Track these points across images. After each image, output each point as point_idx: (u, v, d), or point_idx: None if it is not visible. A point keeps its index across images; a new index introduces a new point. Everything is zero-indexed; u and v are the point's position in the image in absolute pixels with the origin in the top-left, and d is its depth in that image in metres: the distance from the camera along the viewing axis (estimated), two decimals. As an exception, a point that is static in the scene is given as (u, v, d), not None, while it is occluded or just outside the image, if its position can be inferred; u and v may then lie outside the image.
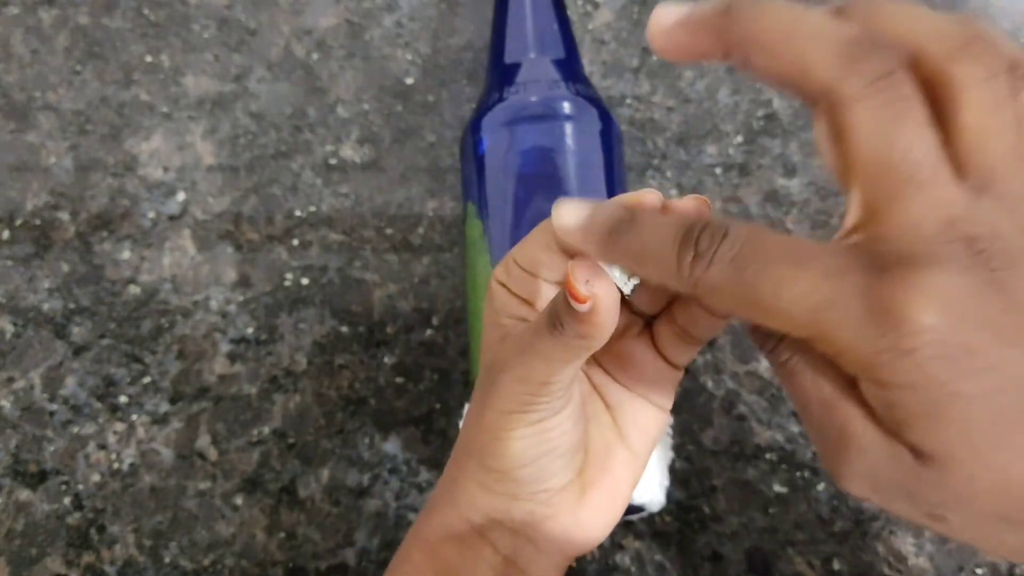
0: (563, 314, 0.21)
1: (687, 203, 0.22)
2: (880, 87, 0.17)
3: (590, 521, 0.26)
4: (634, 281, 0.22)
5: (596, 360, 0.27)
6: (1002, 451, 0.16)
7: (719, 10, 0.19)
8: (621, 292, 0.22)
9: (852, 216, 0.18)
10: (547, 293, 0.26)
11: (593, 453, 0.27)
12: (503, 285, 0.26)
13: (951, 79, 0.17)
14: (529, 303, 0.26)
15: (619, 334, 0.22)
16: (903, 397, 0.16)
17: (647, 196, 0.22)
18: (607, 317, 0.21)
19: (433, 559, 0.27)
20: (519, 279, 0.25)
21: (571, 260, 0.21)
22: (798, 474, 0.42)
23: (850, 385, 0.18)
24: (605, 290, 0.21)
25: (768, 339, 0.19)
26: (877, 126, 0.17)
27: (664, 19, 0.20)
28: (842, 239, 0.18)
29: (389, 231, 0.48)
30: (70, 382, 0.45)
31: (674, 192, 0.48)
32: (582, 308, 0.21)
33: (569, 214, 0.21)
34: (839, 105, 0.17)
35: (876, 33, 0.18)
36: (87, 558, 0.42)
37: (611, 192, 0.39)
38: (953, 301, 0.16)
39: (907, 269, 0.16)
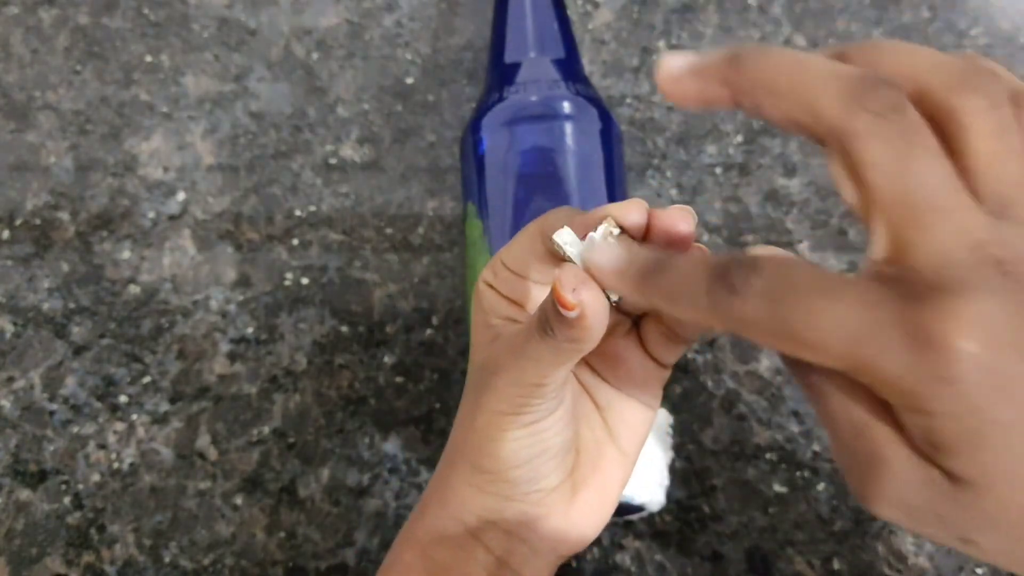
0: (552, 319, 0.22)
1: (671, 214, 0.23)
2: (890, 121, 0.17)
3: (582, 520, 0.27)
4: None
5: (585, 360, 0.27)
6: None
7: (726, 59, 0.20)
8: (608, 298, 0.22)
9: (878, 248, 0.18)
10: (535, 294, 0.26)
11: (584, 453, 0.27)
12: (491, 287, 0.26)
13: (956, 110, 0.18)
14: (518, 304, 0.26)
15: (607, 334, 0.23)
16: (943, 424, 0.16)
17: (633, 209, 0.23)
18: (595, 322, 0.21)
19: (425, 560, 0.27)
20: (507, 281, 0.26)
21: (558, 268, 0.22)
22: (798, 474, 0.42)
23: (882, 409, 0.18)
24: (592, 297, 0.21)
25: (798, 362, 0.20)
26: (891, 158, 0.17)
27: (672, 68, 0.21)
28: (872, 270, 0.18)
29: (389, 231, 0.48)
30: (70, 382, 0.45)
31: (674, 192, 0.48)
32: (570, 315, 0.21)
33: (602, 255, 0.22)
34: (851, 142, 0.18)
35: (880, 72, 0.18)
36: (87, 558, 0.42)
37: (611, 192, 0.39)
38: (990, 326, 0.16)
39: (942, 296, 0.16)
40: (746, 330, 0.18)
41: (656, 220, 0.23)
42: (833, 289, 0.17)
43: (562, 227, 0.23)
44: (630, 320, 0.27)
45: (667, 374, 0.27)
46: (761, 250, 0.20)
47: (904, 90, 0.18)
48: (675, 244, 0.23)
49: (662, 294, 0.20)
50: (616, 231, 0.22)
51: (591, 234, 0.22)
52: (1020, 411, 0.16)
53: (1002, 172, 0.17)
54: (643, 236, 0.23)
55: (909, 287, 0.17)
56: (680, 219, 0.23)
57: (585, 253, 0.22)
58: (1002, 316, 0.16)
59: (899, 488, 0.18)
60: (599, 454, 0.27)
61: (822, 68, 0.18)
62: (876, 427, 0.18)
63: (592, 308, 0.21)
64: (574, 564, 0.41)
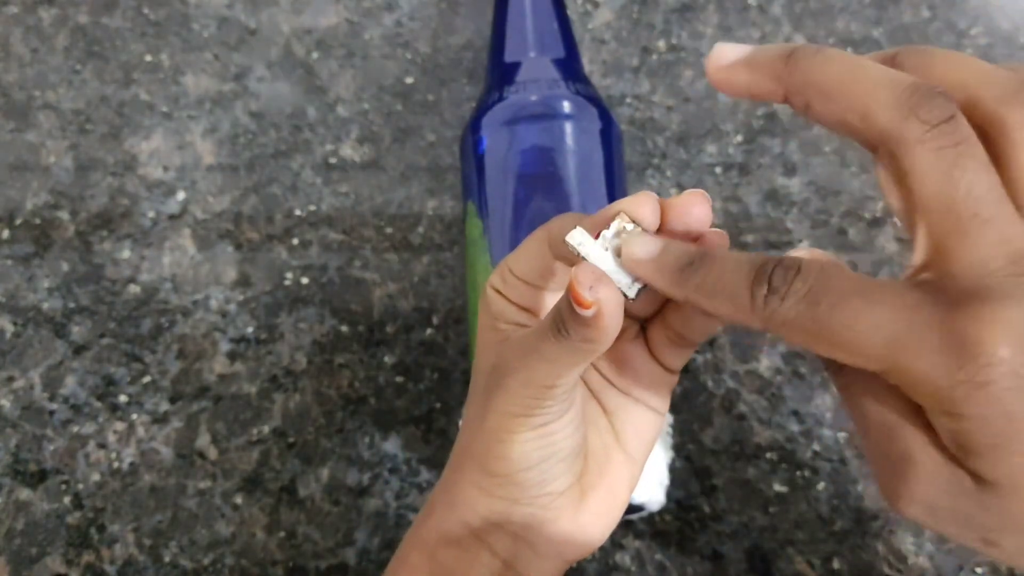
0: (568, 319, 0.22)
1: (684, 200, 0.22)
2: (941, 131, 0.18)
3: (589, 525, 0.27)
4: (638, 285, 0.22)
5: (593, 365, 0.27)
6: None
7: (782, 55, 0.20)
8: (626, 296, 0.22)
9: (920, 254, 0.19)
10: (543, 300, 0.26)
11: (592, 457, 0.27)
12: (499, 292, 0.26)
13: (1004, 122, 0.18)
14: (526, 309, 0.26)
15: (615, 339, 0.23)
16: (974, 427, 0.17)
17: (645, 202, 0.22)
18: (611, 321, 0.21)
19: (431, 562, 0.27)
20: (515, 286, 0.26)
21: (574, 266, 0.22)
22: (798, 473, 0.42)
23: (913, 411, 0.18)
24: (609, 295, 0.21)
25: (833, 363, 0.20)
26: (940, 167, 0.18)
27: (725, 56, 0.21)
28: (911, 276, 0.19)
29: (389, 230, 0.48)
30: (70, 381, 0.45)
31: (674, 191, 0.48)
32: (586, 313, 0.21)
33: (640, 248, 0.22)
34: (901, 149, 0.18)
35: (932, 80, 0.18)
36: (87, 557, 0.42)
37: (611, 191, 0.39)
38: None
39: (980, 303, 0.17)
40: (784, 330, 0.19)
41: (670, 208, 0.23)
42: (872, 292, 0.18)
43: (574, 227, 0.22)
44: (637, 325, 0.27)
45: (674, 379, 0.27)
46: (802, 252, 0.21)
47: (956, 100, 0.18)
48: (693, 230, 0.22)
49: (701, 289, 0.20)
50: (630, 226, 0.22)
51: (604, 232, 0.22)
52: None
53: None
54: (658, 228, 0.23)
55: (947, 293, 0.17)
56: (694, 203, 0.22)
57: (622, 244, 0.22)
58: None
59: (927, 489, 0.18)
60: (607, 459, 0.27)
61: (877, 74, 0.19)
62: (907, 429, 0.19)
63: (608, 306, 0.21)
64: (574, 564, 0.41)
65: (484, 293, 0.27)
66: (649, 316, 0.27)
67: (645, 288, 0.22)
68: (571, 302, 0.21)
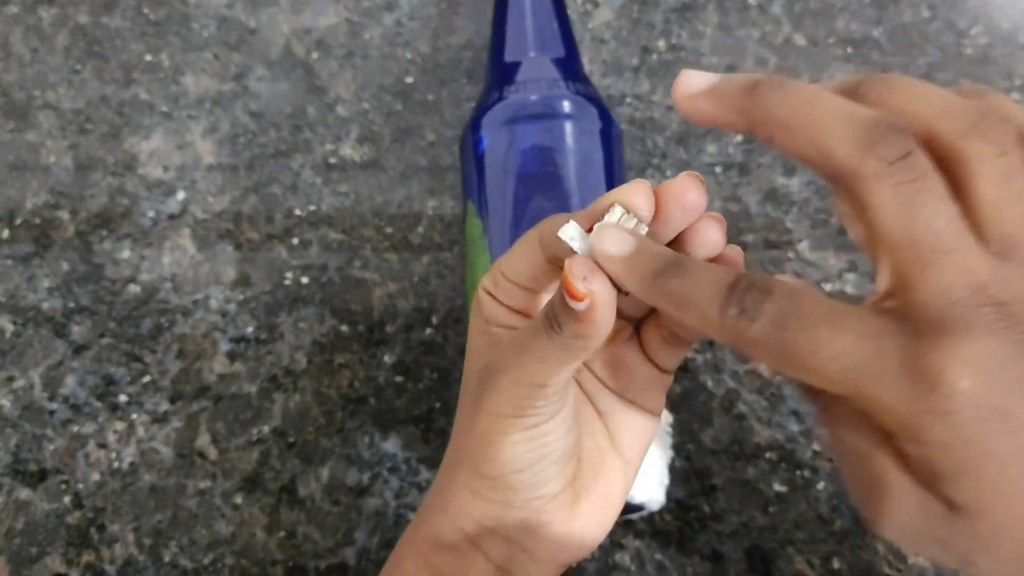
0: (560, 314, 0.22)
1: (678, 184, 0.22)
2: (899, 167, 0.18)
3: (583, 528, 0.26)
4: (643, 228, 0.22)
5: (587, 366, 0.27)
6: None
7: (746, 87, 0.20)
8: (618, 290, 0.22)
9: (883, 283, 0.19)
10: (536, 302, 0.26)
11: (586, 460, 0.27)
12: (491, 295, 0.26)
13: (964, 156, 0.18)
14: (518, 312, 0.26)
15: (608, 339, 0.23)
16: (938, 454, 0.17)
17: (638, 190, 0.22)
18: (604, 315, 0.21)
19: (425, 568, 0.26)
20: (507, 289, 0.25)
21: (568, 259, 0.21)
22: (798, 473, 0.42)
23: (885, 437, 0.19)
24: (602, 287, 0.21)
25: (809, 386, 0.20)
26: (900, 202, 0.18)
27: (691, 85, 0.21)
28: (876, 303, 0.19)
29: (389, 230, 0.48)
30: (70, 381, 0.45)
31: (674, 191, 0.48)
32: (579, 306, 0.21)
33: (613, 243, 0.21)
34: (861, 185, 0.18)
35: (892, 115, 0.19)
36: (87, 557, 0.42)
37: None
38: (986, 365, 0.17)
39: (942, 335, 0.17)
40: (751, 350, 0.19)
41: (664, 194, 0.22)
42: (839, 319, 0.18)
43: (566, 222, 0.22)
44: (631, 326, 0.27)
45: (669, 380, 0.27)
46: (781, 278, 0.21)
47: (914, 134, 0.18)
48: (690, 213, 0.22)
49: (671, 297, 0.20)
50: (625, 217, 0.22)
51: (598, 223, 0.22)
52: (1013, 443, 0.17)
53: (1006, 216, 0.18)
54: (654, 216, 0.22)
55: (911, 322, 0.18)
56: (689, 187, 0.22)
57: (593, 239, 0.21)
58: (999, 355, 0.17)
59: (901, 513, 0.19)
60: (601, 461, 0.27)
61: (835, 109, 0.19)
62: (879, 454, 0.19)
63: (601, 299, 0.21)
64: (573, 564, 0.41)
65: (476, 296, 0.26)
66: (643, 316, 0.26)
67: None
68: (564, 295, 0.21)
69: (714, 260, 0.23)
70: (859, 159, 0.18)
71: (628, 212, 0.22)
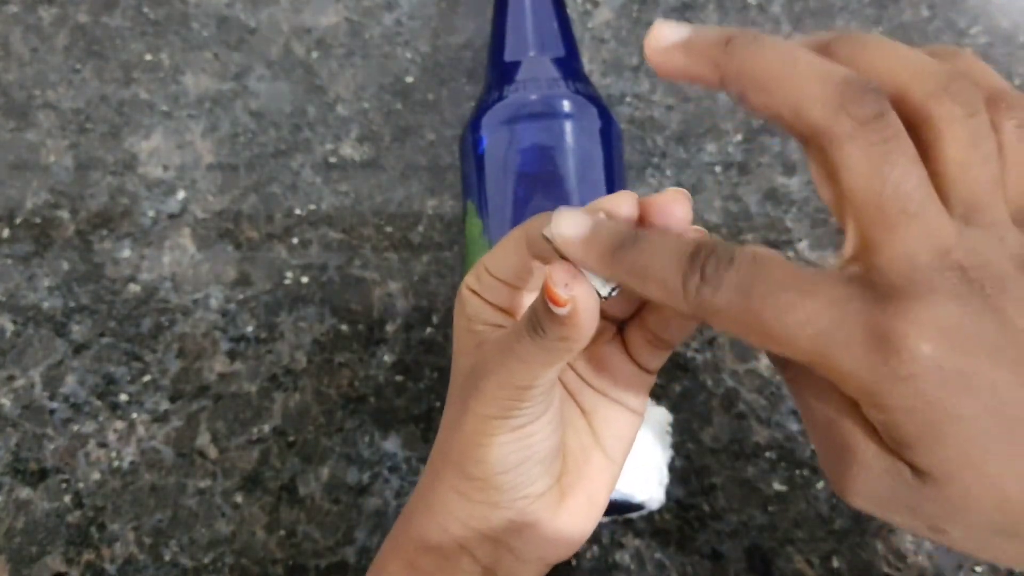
0: (543, 318, 0.22)
1: (663, 198, 0.22)
2: (871, 127, 0.18)
3: (569, 527, 0.26)
4: (611, 285, 0.22)
5: (570, 365, 0.27)
6: (997, 467, 0.17)
7: (719, 41, 0.20)
8: (600, 295, 0.22)
9: (849, 247, 0.19)
10: (520, 300, 0.26)
11: (570, 459, 0.27)
12: (475, 292, 0.26)
13: (932, 118, 0.18)
14: (502, 310, 0.26)
15: (592, 340, 0.23)
16: (902, 419, 0.17)
17: (623, 200, 0.22)
18: (586, 319, 0.21)
19: (411, 570, 0.26)
20: (491, 287, 0.25)
21: (550, 264, 0.21)
22: (797, 472, 0.42)
23: (852, 405, 0.19)
24: (584, 293, 0.21)
25: (780, 356, 0.20)
26: (869, 163, 0.18)
27: (663, 37, 0.21)
28: (842, 268, 0.19)
29: (389, 229, 0.48)
30: (70, 380, 0.45)
31: (674, 190, 0.48)
32: (561, 311, 0.21)
33: (569, 226, 0.21)
34: (832, 144, 0.18)
35: (864, 74, 0.18)
36: (87, 556, 0.42)
37: (611, 190, 0.39)
38: (948, 329, 0.16)
39: (904, 299, 0.17)
40: (715, 319, 0.19)
41: (649, 207, 0.22)
42: (802, 286, 0.18)
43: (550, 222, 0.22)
44: (615, 326, 0.27)
45: (652, 380, 0.27)
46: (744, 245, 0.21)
47: (886, 94, 0.18)
48: (673, 228, 0.22)
49: (632, 271, 0.20)
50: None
51: None
52: (976, 407, 0.17)
53: (972, 179, 0.18)
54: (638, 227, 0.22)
55: (875, 288, 0.17)
56: (674, 202, 0.22)
57: (552, 226, 0.21)
58: (960, 318, 0.17)
59: (869, 480, 0.18)
60: (585, 460, 0.27)
61: (809, 66, 0.18)
62: (846, 422, 0.19)
63: (583, 304, 0.21)
64: (573, 562, 0.41)
65: (459, 294, 0.26)
66: (626, 317, 0.26)
67: (619, 288, 0.22)
68: (546, 300, 0.21)
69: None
70: (832, 118, 0.18)
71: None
